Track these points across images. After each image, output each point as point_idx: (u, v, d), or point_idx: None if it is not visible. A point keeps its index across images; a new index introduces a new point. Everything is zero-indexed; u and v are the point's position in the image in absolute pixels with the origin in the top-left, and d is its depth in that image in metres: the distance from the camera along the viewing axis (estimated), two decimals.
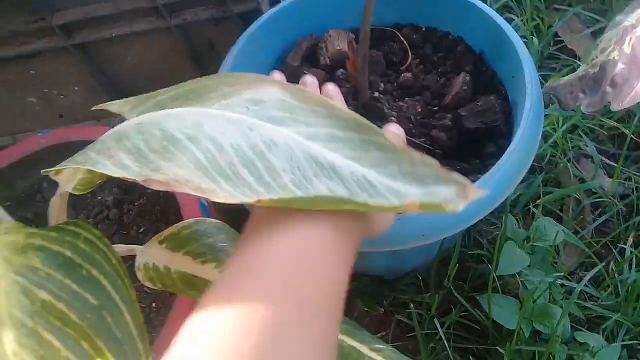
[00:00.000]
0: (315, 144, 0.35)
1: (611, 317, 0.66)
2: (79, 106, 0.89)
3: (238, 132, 0.35)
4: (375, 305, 0.68)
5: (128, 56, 0.80)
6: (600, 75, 0.50)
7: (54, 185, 0.71)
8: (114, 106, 0.44)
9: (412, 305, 0.67)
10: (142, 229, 0.68)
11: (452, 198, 0.33)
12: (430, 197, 0.33)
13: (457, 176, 0.35)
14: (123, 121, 0.39)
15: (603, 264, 0.70)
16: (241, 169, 0.33)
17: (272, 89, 0.39)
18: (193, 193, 0.31)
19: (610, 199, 0.76)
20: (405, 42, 0.73)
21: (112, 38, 0.75)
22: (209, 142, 0.34)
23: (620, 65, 0.47)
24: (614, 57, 0.49)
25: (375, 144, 0.36)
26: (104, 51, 0.79)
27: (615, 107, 0.46)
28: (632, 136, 0.80)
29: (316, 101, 0.38)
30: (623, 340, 0.65)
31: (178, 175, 0.32)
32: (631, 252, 0.71)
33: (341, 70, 0.70)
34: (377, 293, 0.70)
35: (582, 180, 0.78)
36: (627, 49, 0.47)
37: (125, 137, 0.36)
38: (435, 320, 0.66)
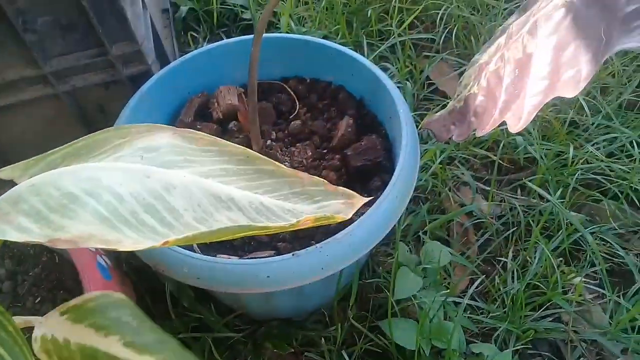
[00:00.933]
0: (212, 180, 0.37)
1: (501, 327, 0.72)
2: None
3: (136, 181, 0.36)
4: (285, 346, 0.70)
5: (14, 126, 0.78)
6: (465, 108, 0.56)
7: None
8: (3, 172, 0.44)
9: (322, 340, 0.69)
10: (38, 299, 0.65)
11: (341, 209, 0.38)
12: (322, 210, 0.37)
13: (343, 190, 0.39)
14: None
15: (487, 278, 0.77)
16: (144, 215, 0.34)
17: (164, 135, 0.41)
18: (99, 246, 0.32)
19: (489, 219, 0.84)
20: (292, 93, 0.78)
21: None
22: (108, 195, 0.34)
23: (479, 97, 0.53)
24: (474, 91, 0.55)
25: (267, 172, 0.40)
26: None
27: (479, 133, 0.52)
28: (501, 162, 0.90)
29: (207, 142, 0.41)
30: (515, 347, 0.72)
31: (82, 231, 0.32)
32: (511, 264, 0.79)
33: (234, 122, 0.74)
34: (286, 334, 0.72)
35: (462, 205, 0.86)
36: (483, 82, 0.53)
37: (22, 200, 0.36)
38: (343, 352, 0.68)
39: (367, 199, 0.41)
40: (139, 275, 0.73)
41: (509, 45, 0.51)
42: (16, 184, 0.40)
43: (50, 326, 0.47)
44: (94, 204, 0.34)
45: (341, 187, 0.41)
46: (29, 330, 0.49)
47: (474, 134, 0.55)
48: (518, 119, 0.48)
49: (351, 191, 0.41)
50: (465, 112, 0.56)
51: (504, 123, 0.49)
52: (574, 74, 0.45)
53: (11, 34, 0.66)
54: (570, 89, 0.45)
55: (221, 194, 0.37)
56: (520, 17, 0.52)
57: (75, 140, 0.43)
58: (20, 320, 0.50)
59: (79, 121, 0.79)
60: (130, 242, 0.33)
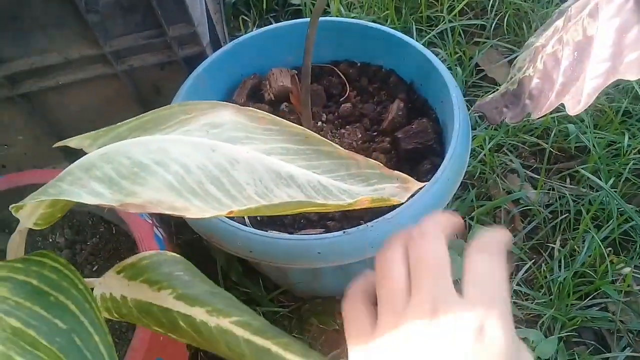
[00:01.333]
0: (273, 158, 0.39)
1: (546, 314, 0.71)
2: (23, 156, 0.89)
3: (202, 154, 0.38)
4: (330, 322, 0.71)
5: (73, 104, 0.82)
6: (519, 90, 0.55)
7: (1, 231, 0.72)
8: (73, 142, 0.46)
9: None
10: (95, 268, 0.69)
11: (397, 192, 0.38)
12: (378, 193, 0.38)
13: (398, 174, 0.40)
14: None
15: (534, 265, 0.77)
16: (209, 186, 0.35)
17: (227, 113, 0.42)
18: (167, 212, 0.33)
19: (536, 207, 0.83)
20: (342, 76, 0.79)
21: (58, 86, 0.76)
22: (176, 165, 0.36)
23: (535, 80, 0.52)
24: (529, 74, 0.54)
25: (325, 153, 0.41)
26: (50, 100, 0.80)
27: (535, 116, 0.51)
28: (552, 150, 0.89)
29: (268, 120, 0.42)
30: (560, 334, 0.71)
31: (152, 197, 0.34)
32: (559, 252, 0.78)
33: (285, 104, 0.75)
34: (330, 311, 0.73)
35: (510, 193, 0.85)
36: (539, 65, 0.52)
37: (94, 167, 0.38)
38: None
39: (422, 184, 0.41)
40: (189, 249, 0.76)
41: (568, 28, 0.50)
42: (86, 153, 0.42)
43: (108, 285, 0.49)
44: (163, 173, 0.36)
45: (396, 172, 0.41)
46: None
47: (526, 119, 0.55)
48: (577, 102, 0.47)
49: (406, 175, 0.41)
50: (519, 95, 0.55)
51: (558, 109, 0.48)
52: (638, 57, 0.44)
53: (74, 14, 0.68)
54: (634, 71, 0.44)
55: (281, 171, 0.39)
56: (576, 0, 0.52)
57: (142, 115, 0.45)
58: None
59: (136, 101, 0.82)
60: (196, 210, 0.34)
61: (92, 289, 0.50)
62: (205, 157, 0.38)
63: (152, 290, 0.48)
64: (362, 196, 0.38)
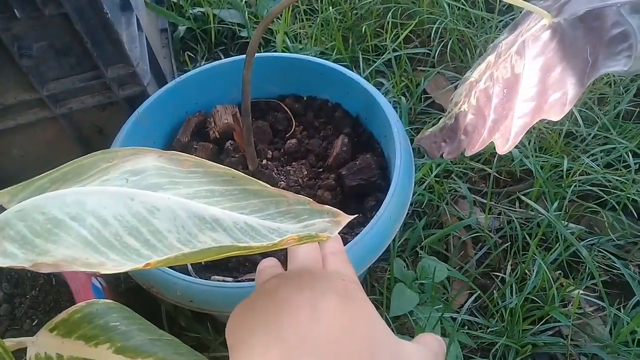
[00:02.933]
0: (197, 202, 0.38)
1: (499, 342, 0.71)
2: None
3: (120, 204, 0.37)
4: None
5: (13, 149, 0.79)
6: (455, 125, 0.56)
7: None
8: None
9: None
10: (35, 322, 0.66)
11: (327, 227, 0.38)
12: (308, 229, 0.37)
13: (328, 208, 0.40)
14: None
15: (486, 292, 0.77)
16: (127, 238, 0.34)
17: (149, 158, 0.41)
18: (82, 269, 0.32)
19: (486, 233, 0.84)
20: (289, 111, 0.79)
21: None
22: (92, 218, 0.35)
23: (469, 116, 0.53)
24: (464, 109, 0.55)
25: (253, 192, 0.41)
26: None
27: (468, 153, 0.51)
28: (497, 175, 0.90)
29: (193, 163, 0.42)
30: None
31: (65, 255, 0.33)
32: (510, 277, 0.78)
33: (230, 141, 0.74)
34: None
35: (460, 219, 0.86)
36: (473, 101, 0.53)
37: (8, 225, 0.37)
38: None
39: (352, 217, 0.41)
40: (136, 296, 0.73)
41: (498, 65, 0.51)
42: (5, 209, 0.41)
43: (42, 344, 0.47)
44: (78, 228, 0.35)
45: (327, 206, 0.41)
46: (23, 350, 0.49)
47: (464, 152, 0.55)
48: (506, 140, 0.47)
49: (337, 210, 0.41)
50: (456, 130, 0.55)
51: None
52: (560, 97, 0.44)
53: (8, 59, 0.67)
54: (556, 112, 0.44)
55: (205, 215, 0.38)
56: (509, 35, 0.53)
57: (63, 165, 0.44)
58: (13, 342, 0.50)
59: (78, 143, 0.80)
60: (112, 264, 0.33)
61: (26, 349, 0.48)
62: (124, 207, 0.37)
63: (88, 346, 0.46)
64: (290, 234, 0.37)
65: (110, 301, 0.49)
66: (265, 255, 0.63)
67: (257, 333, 0.33)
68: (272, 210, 0.41)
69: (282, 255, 0.63)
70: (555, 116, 0.44)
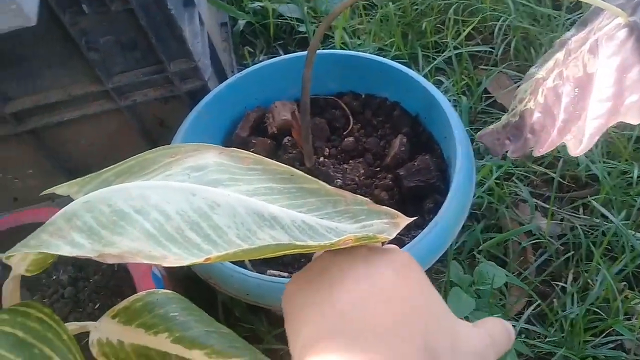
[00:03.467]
0: (256, 199, 0.38)
1: (557, 352, 0.69)
2: (34, 189, 0.90)
3: (182, 199, 0.37)
4: None
5: (81, 138, 0.82)
6: (520, 123, 0.54)
7: (7, 268, 0.72)
8: (61, 189, 0.46)
9: None
10: (97, 305, 0.68)
11: (385, 228, 0.38)
12: (365, 230, 0.37)
13: (387, 209, 0.39)
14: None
15: (545, 300, 0.74)
16: (188, 232, 0.35)
17: (211, 154, 0.42)
18: (145, 262, 0.33)
19: (548, 239, 0.81)
20: (346, 108, 0.78)
21: (64, 122, 0.77)
22: (155, 212, 0.36)
23: (536, 114, 0.51)
24: (530, 107, 0.53)
25: (310, 191, 0.40)
26: (56, 135, 0.81)
27: (537, 153, 0.50)
28: (560, 179, 0.86)
29: (252, 160, 0.42)
30: None
31: (130, 247, 0.34)
32: (571, 287, 0.75)
33: (287, 137, 0.74)
34: None
35: (520, 224, 0.83)
36: (540, 99, 0.51)
37: (75, 216, 0.38)
38: None
39: (411, 219, 0.40)
40: (194, 285, 0.75)
41: (568, 63, 0.49)
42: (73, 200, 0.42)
43: (104, 330, 0.49)
44: (142, 221, 0.36)
45: (385, 207, 0.41)
46: (86, 334, 0.51)
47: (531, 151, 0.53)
48: (579, 142, 0.45)
49: (395, 211, 0.40)
50: (521, 128, 0.53)
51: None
52: (638, 99, 0.42)
53: (76, 52, 0.69)
54: (634, 115, 0.42)
55: (264, 212, 0.38)
56: (579, 32, 0.50)
57: (128, 159, 0.45)
58: (76, 325, 0.52)
59: (141, 134, 0.82)
60: (174, 258, 0.34)
61: (89, 333, 0.50)
62: (186, 202, 0.37)
63: (148, 334, 0.48)
64: (348, 234, 0.37)
65: (170, 292, 0.50)
66: None
67: (313, 304, 0.32)
68: (330, 210, 0.41)
69: None
70: (634, 119, 0.42)
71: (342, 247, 0.36)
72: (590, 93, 0.45)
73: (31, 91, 0.74)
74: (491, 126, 0.58)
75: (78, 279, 0.71)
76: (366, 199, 0.41)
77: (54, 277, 0.72)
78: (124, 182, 0.42)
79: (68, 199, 0.87)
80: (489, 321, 0.35)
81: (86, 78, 0.73)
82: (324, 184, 0.42)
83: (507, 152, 0.55)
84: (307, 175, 0.42)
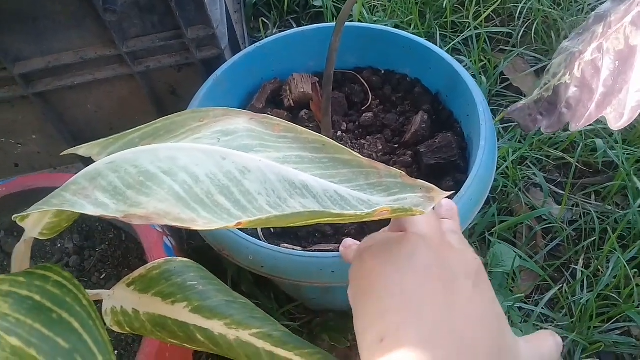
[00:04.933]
0: (287, 167, 0.37)
1: (567, 337, 0.68)
2: (36, 155, 0.88)
3: (212, 162, 0.36)
4: (342, 339, 0.69)
5: (88, 103, 0.80)
6: (554, 98, 0.52)
7: (10, 234, 0.71)
8: (82, 150, 0.44)
9: None
10: (103, 275, 0.67)
11: (420, 202, 0.36)
12: (399, 203, 0.36)
13: (422, 182, 0.38)
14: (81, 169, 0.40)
15: (556, 285, 0.74)
16: (218, 197, 0.34)
17: (241, 120, 0.41)
18: (173, 224, 0.32)
19: (559, 224, 0.80)
20: (365, 84, 0.76)
21: (74, 86, 0.75)
22: (184, 174, 0.35)
23: (572, 88, 0.49)
24: (565, 81, 0.51)
25: (343, 161, 0.39)
26: (65, 99, 0.79)
27: (573, 127, 0.48)
28: (577, 164, 0.85)
29: (283, 128, 0.41)
30: (580, 359, 0.68)
31: (157, 208, 0.33)
32: (582, 273, 0.75)
33: (304, 111, 0.73)
34: (342, 327, 0.71)
35: (532, 208, 0.82)
36: (577, 73, 0.49)
37: (100, 176, 0.37)
38: None
39: (447, 193, 0.39)
40: (200, 258, 0.74)
41: (608, 36, 0.47)
42: (94, 161, 0.41)
43: (119, 298, 0.48)
44: (170, 183, 0.35)
45: (420, 180, 0.39)
46: (97, 303, 0.50)
47: (558, 133, 0.52)
48: (620, 115, 0.44)
49: (431, 185, 0.39)
50: (555, 103, 0.52)
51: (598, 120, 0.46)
52: None
53: (91, 13, 0.67)
54: None
55: (295, 180, 0.37)
56: (616, 5, 0.49)
57: (154, 121, 0.44)
58: (89, 293, 0.51)
59: (151, 102, 0.80)
60: (203, 222, 0.33)
61: (102, 302, 0.49)
62: (215, 166, 0.36)
63: (165, 303, 0.46)
64: (382, 206, 0.36)
65: (188, 260, 0.49)
66: (343, 229, 0.61)
67: (389, 304, 0.31)
68: (362, 182, 0.40)
69: (353, 229, 0.62)
70: None
71: (377, 218, 0.35)
72: (632, 66, 0.45)
73: (42, 52, 0.72)
74: (522, 101, 0.57)
75: (84, 248, 0.70)
76: (400, 171, 0.40)
77: (59, 245, 0.71)
78: (149, 144, 0.41)
79: (71, 169, 0.85)
80: (540, 336, 0.34)
81: (100, 41, 0.71)
82: (357, 154, 0.40)
83: (539, 128, 0.54)
84: (340, 145, 0.41)
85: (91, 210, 0.34)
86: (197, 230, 0.56)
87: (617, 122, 0.43)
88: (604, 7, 0.49)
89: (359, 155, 0.40)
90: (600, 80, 0.46)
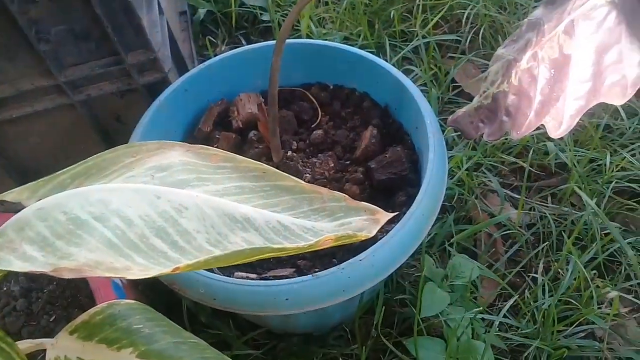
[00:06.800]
0: (226, 199, 0.36)
1: (531, 345, 0.68)
2: None
3: (145, 202, 0.35)
4: None
5: (31, 136, 0.77)
6: (494, 105, 0.52)
7: None
8: (11, 195, 0.42)
9: (342, 358, 0.67)
10: (53, 317, 0.64)
11: (365, 225, 0.36)
12: (344, 228, 0.35)
13: (365, 205, 0.37)
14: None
15: (517, 291, 0.74)
16: (154, 239, 0.32)
17: (176, 153, 0.39)
18: (106, 275, 0.30)
19: (518, 229, 0.80)
20: (314, 100, 0.75)
21: (13, 119, 0.72)
22: (116, 219, 0.33)
23: (511, 97, 0.50)
24: (504, 89, 0.51)
25: (285, 188, 0.38)
26: (6, 133, 0.75)
27: (514, 135, 0.49)
28: (531, 168, 0.86)
29: (221, 157, 0.39)
30: None
31: (88, 259, 0.31)
32: (542, 278, 0.75)
33: (253, 132, 0.71)
34: (307, 351, 0.70)
35: (491, 215, 0.82)
36: (514, 81, 0.50)
37: (28, 226, 0.35)
38: None
39: (391, 215, 0.38)
40: (153, 293, 0.71)
41: (542, 44, 0.48)
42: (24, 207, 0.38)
43: (62, 347, 0.46)
44: (102, 229, 0.33)
45: (363, 203, 0.39)
46: (42, 351, 0.47)
47: (504, 137, 0.52)
48: (558, 124, 0.45)
49: (375, 206, 0.38)
50: (495, 110, 0.52)
51: (539, 127, 0.46)
52: (620, 79, 0.42)
53: (24, 43, 0.65)
54: (616, 95, 0.42)
55: (236, 213, 0.36)
56: (548, 12, 0.49)
57: (85, 160, 0.42)
58: (31, 343, 0.48)
59: (96, 130, 0.78)
60: (139, 269, 0.31)
61: (45, 351, 0.46)
62: (150, 206, 0.35)
63: (110, 350, 0.44)
64: (327, 234, 0.35)
65: (133, 301, 0.47)
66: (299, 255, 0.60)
67: None
68: (306, 208, 0.39)
69: (307, 253, 0.61)
70: (617, 100, 0.43)
71: (321, 247, 0.34)
72: (567, 74, 0.46)
73: None
74: (463, 109, 0.57)
75: (31, 290, 0.67)
76: (343, 195, 0.39)
77: (5, 289, 0.67)
78: (81, 185, 0.39)
79: (17, 206, 0.81)
80: None
81: (36, 71, 0.68)
82: (299, 180, 0.39)
83: (481, 135, 0.54)
84: (281, 172, 0.40)
85: (19, 266, 0.32)
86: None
87: (556, 130, 0.44)
88: (536, 13, 0.50)
89: (301, 181, 0.40)
90: (537, 88, 0.46)
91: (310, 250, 0.35)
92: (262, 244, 0.34)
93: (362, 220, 0.38)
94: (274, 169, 0.40)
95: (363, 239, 0.36)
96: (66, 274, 0.31)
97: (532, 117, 0.47)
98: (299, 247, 0.34)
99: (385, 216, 0.39)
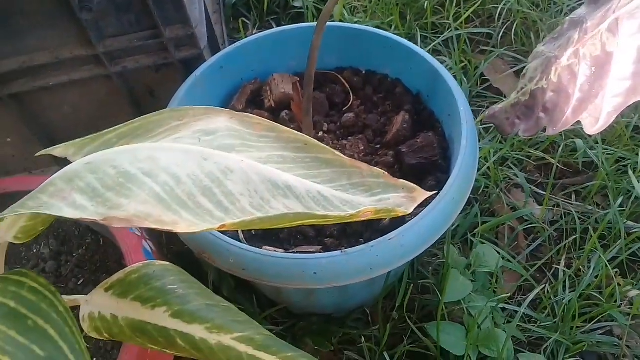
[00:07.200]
0: (269, 167, 0.36)
1: (551, 338, 0.69)
2: (11, 158, 0.86)
3: (193, 163, 0.35)
4: (325, 343, 0.68)
5: (65, 105, 0.79)
6: (531, 102, 0.53)
7: None
8: (57, 150, 0.43)
9: (363, 338, 0.67)
10: (81, 281, 0.65)
11: (402, 202, 0.36)
12: (382, 203, 0.35)
13: (404, 182, 0.38)
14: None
15: (540, 287, 0.74)
16: (200, 198, 0.33)
17: (222, 119, 0.40)
18: (154, 227, 0.31)
19: (541, 225, 0.80)
20: (346, 84, 0.76)
21: (50, 87, 0.73)
22: (165, 175, 0.34)
23: (549, 93, 0.50)
24: (542, 86, 0.52)
25: (325, 161, 0.39)
26: (41, 100, 0.77)
27: (550, 132, 0.49)
28: (558, 165, 0.86)
29: (265, 127, 0.40)
30: (564, 358, 0.68)
31: (138, 210, 0.32)
32: (564, 273, 0.75)
33: (285, 111, 0.72)
34: (326, 331, 0.70)
35: (514, 209, 0.82)
36: (554, 78, 0.50)
37: (78, 177, 0.36)
38: (385, 354, 0.66)
39: (429, 194, 0.39)
40: (180, 263, 0.72)
41: (585, 42, 0.48)
42: (70, 162, 0.39)
43: (96, 304, 0.46)
44: (151, 184, 0.34)
45: (402, 180, 0.39)
46: (74, 309, 0.48)
47: (537, 136, 0.52)
48: (595, 120, 0.45)
49: (413, 184, 0.39)
50: (532, 107, 0.53)
51: (576, 123, 0.46)
52: None
53: (67, 12, 0.65)
54: None
55: (278, 180, 0.36)
56: (592, 11, 0.49)
57: (132, 120, 0.43)
58: (66, 299, 0.49)
59: (129, 103, 0.79)
60: (186, 224, 0.32)
61: (79, 307, 0.47)
62: (197, 166, 0.35)
63: (145, 308, 0.45)
64: (365, 207, 0.36)
65: (168, 263, 0.48)
66: (325, 230, 0.61)
67: None
68: (345, 182, 0.39)
69: (335, 231, 0.61)
70: None
71: (361, 219, 0.35)
72: (608, 72, 0.46)
73: (16, 52, 0.70)
74: (499, 105, 0.57)
75: (60, 253, 0.68)
76: (383, 171, 0.39)
77: (35, 251, 0.69)
78: (127, 144, 0.40)
79: (47, 171, 0.83)
80: None
81: (76, 40, 0.69)
82: (339, 154, 0.40)
83: (517, 131, 0.55)
84: (322, 145, 0.40)
85: (69, 213, 0.33)
86: (178, 234, 0.55)
87: (592, 127, 0.44)
88: (578, 12, 0.50)
89: (342, 155, 0.40)
90: (576, 85, 0.47)
91: (351, 220, 0.35)
92: (303, 211, 0.34)
93: (400, 197, 0.39)
94: (316, 141, 0.41)
95: (401, 214, 0.36)
96: (116, 223, 0.32)
97: (569, 114, 0.48)
98: (341, 215, 0.35)
99: (422, 194, 0.39)
